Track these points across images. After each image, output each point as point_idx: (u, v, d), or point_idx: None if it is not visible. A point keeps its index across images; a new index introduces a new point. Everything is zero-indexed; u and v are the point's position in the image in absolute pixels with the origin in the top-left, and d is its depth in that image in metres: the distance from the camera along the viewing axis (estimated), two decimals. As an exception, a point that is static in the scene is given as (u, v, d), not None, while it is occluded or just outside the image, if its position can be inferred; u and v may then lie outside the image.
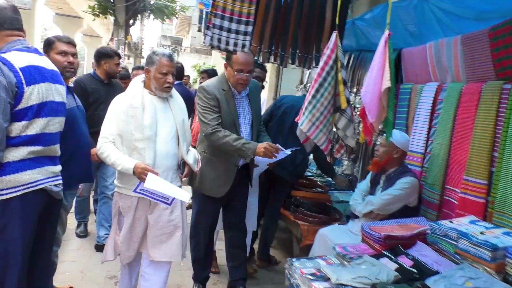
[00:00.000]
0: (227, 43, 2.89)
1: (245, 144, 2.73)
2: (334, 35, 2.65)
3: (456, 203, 2.71)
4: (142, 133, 2.41)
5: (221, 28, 2.76)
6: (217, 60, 19.60)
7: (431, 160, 3.00)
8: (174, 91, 2.65)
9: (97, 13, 12.56)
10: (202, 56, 26.37)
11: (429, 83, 3.18)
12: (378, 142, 3.27)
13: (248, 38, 2.84)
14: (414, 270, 2.07)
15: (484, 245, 1.96)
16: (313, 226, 3.24)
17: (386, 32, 2.20)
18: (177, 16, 15.84)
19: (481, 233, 2.09)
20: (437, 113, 3.02)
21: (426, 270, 2.06)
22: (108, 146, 2.46)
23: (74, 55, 2.65)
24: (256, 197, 3.44)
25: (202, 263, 3.14)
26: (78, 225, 4.14)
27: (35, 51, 2.06)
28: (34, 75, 1.94)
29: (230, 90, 2.87)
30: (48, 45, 2.60)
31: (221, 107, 2.81)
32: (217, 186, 2.91)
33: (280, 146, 2.72)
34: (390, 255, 2.26)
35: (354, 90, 4.17)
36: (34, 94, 1.92)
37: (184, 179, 2.70)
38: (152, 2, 11.99)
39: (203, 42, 3.00)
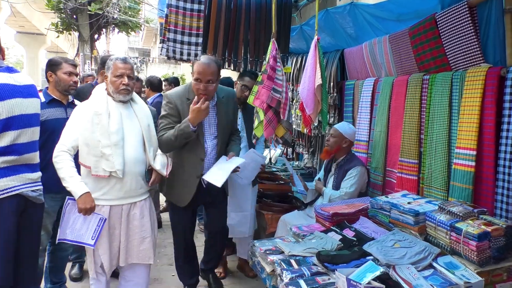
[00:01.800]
0: (181, 53, 3.19)
1: (180, 126, 2.69)
2: (271, 42, 3.00)
3: (395, 182, 3.10)
4: (109, 139, 2.43)
5: (175, 41, 3.05)
6: (186, 69, 19.78)
7: (373, 146, 3.39)
8: (137, 97, 2.69)
9: (61, 29, 12.59)
10: (171, 66, 26.47)
11: (368, 78, 3.58)
12: (327, 133, 3.64)
13: (200, 48, 3.14)
14: (354, 239, 2.43)
15: (409, 212, 2.33)
16: (276, 215, 3.57)
17: (315, 37, 2.56)
18: (141, 28, 15.99)
19: (408, 203, 2.47)
20: (376, 104, 3.41)
21: (364, 238, 2.42)
22: (64, 157, 2.44)
23: (77, 75, 3.06)
24: (252, 201, 3.53)
25: (184, 268, 3.19)
26: (72, 266, 3.60)
27: (6, 69, 2.23)
28: (2, 92, 2.12)
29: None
30: (56, 65, 2.97)
31: (181, 116, 2.77)
32: (180, 195, 2.91)
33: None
34: (336, 229, 2.61)
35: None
36: (1, 109, 2.10)
37: (154, 185, 2.74)
38: (115, 17, 12.13)
39: (160, 54, 3.26)
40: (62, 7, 10.92)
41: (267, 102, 2.84)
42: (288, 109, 2.84)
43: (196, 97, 2.67)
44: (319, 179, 3.56)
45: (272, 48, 2.91)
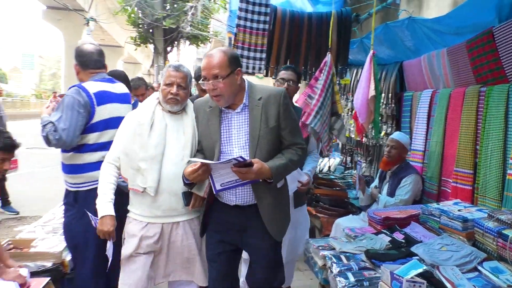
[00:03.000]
0: (247, 67, 3.51)
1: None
2: (329, 56, 3.21)
3: (449, 191, 3.16)
4: (147, 152, 2.27)
5: (241, 56, 3.37)
6: (251, 79, 20.40)
7: (429, 156, 3.46)
8: (190, 108, 2.42)
9: (138, 43, 13.69)
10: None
11: (426, 90, 3.67)
12: (385, 144, 3.77)
13: (263, 62, 3.43)
14: (403, 241, 2.56)
15: (457, 218, 2.43)
16: (332, 218, 3.75)
17: (371, 52, 2.75)
18: (210, 41, 16.86)
19: (458, 210, 2.56)
20: (433, 115, 3.49)
21: (413, 241, 2.55)
22: (104, 170, 2.37)
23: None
24: (305, 216, 3.20)
25: None
26: None
27: (109, 80, 2.76)
28: (103, 98, 2.63)
29: (218, 107, 2.19)
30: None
31: (199, 128, 2.30)
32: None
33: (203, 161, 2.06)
34: (387, 232, 2.75)
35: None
36: (103, 111, 2.61)
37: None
38: (187, 30, 12.98)
39: None
40: (140, 22, 11.90)
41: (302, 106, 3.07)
42: (313, 115, 3.01)
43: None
44: (375, 186, 3.69)
45: (324, 62, 3.13)
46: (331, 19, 3.56)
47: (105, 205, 2.31)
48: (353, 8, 4.78)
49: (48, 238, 3.18)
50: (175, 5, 12.90)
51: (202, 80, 2.08)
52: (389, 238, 2.63)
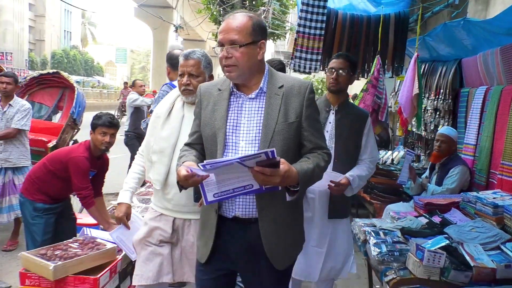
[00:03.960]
0: (304, 67, 3.93)
1: (180, 158, 1.81)
2: (378, 58, 3.54)
3: (496, 183, 3.36)
4: (158, 145, 2.23)
5: (300, 58, 3.79)
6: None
7: (480, 150, 3.65)
8: None
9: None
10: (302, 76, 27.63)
11: (481, 86, 3.83)
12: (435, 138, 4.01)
13: (319, 63, 3.83)
14: (438, 224, 2.87)
15: (490, 204, 2.70)
16: (384, 204, 4.09)
17: (415, 54, 3.06)
18: (286, 37, 17.34)
19: (493, 198, 2.80)
20: (485, 111, 3.66)
21: (448, 223, 2.85)
22: (134, 160, 2.53)
23: None
24: (345, 231, 2.75)
25: None
26: None
27: None
28: None
29: (229, 88, 1.80)
30: None
31: (202, 115, 1.85)
32: (200, 243, 1.87)
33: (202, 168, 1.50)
34: (426, 215, 3.07)
35: (427, 95, 4.86)
36: None
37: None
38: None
39: (288, 68, 4.04)
40: (221, 20, 12.74)
41: (372, 105, 3.39)
42: (386, 112, 3.33)
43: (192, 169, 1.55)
44: (426, 176, 3.95)
45: (376, 62, 3.46)
46: (389, 21, 3.87)
47: (122, 193, 2.47)
48: (419, 7, 4.97)
49: (141, 207, 3.93)
50: (254, 2, 13.55)
51: (218, 46, 1.72)
52: (427, 220, 2.96)
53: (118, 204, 2.50)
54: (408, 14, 4.28)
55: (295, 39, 3.64)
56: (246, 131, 1.75)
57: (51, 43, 47.09)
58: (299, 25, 3.53)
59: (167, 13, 28.47)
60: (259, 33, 1.73)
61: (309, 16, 3.45)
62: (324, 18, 3.54)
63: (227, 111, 1.78)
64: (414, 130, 4.85)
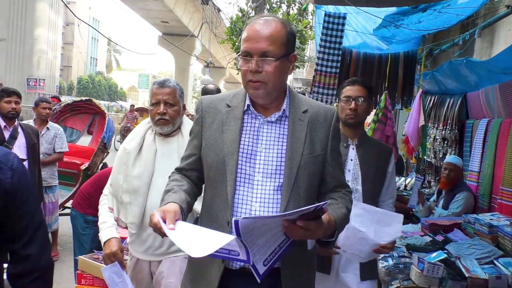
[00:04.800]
0: (321, 101, 4.33)
1: (167, 195, 1.45)
2: (385, 93, 3.94)
3: (496, 207, 3.67)
4: (129, 184, 2.04)
5: (317, 92, 4.18)
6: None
7: (482, 176, 3.98)
8: (186, 128, 2.08)
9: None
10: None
11: (483, 119, 4.19)
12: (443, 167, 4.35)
13: (334, 97, 4.23)
14: (440, 241, 3.20)
15: (486, 224, 3.03)
16: (395, 226, 4.40)
17: (420, 90, 3.47)
18: (305, 66, 17.97)
19: (490, 219, 3.13)
20: (487, 141, 4.01)
21: (449, 241, 3.18)
22: (103, 202, 2.26)
23: None
24: None
25: None
26: None
27: None
28: None
29: (242, 106, 1.52)
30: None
31: (203, 135, 1.54)
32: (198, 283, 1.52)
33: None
34: (431, 234, 3.40)
35: (436, 125, 5.21)
36: None
37: None
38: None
39: None
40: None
41: (390, 135, 3.76)
42: (394, 141, 3.71)
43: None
44: (433, 200, 4.28)
45: (385, 98, 3.88)
46: (398, 58, 4.30)
47: (106, 231, 2.13)
48: (427, 46, 5.41)
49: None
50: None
51: (243, 56, 1.42)
52: (430, 239, 3.29)
53: (107, 241, 2.09)
54: (416, 52, 4.71)
55: (313, 76, 4.10)
56: (264, 162, 1.45)
57: (78, 69, 49.27)
58: (317, 64, 4.00)
59: (189, 41, 29.65)
60: (292, 43, 1.47)
61: (325, 56, 3.91)
62: (339, 57, 3.99)
63: (240, 134, 1.47)
64: (425, 157, 5.19)
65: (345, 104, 2.28)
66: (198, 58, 30.76)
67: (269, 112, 1.51)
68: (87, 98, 7.78)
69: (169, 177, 1.59)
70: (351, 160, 2.27)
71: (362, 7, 3.13)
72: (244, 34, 1.44)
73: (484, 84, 4.15)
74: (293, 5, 13.53)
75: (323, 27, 3.79)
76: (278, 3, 13.23)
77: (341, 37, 3.80)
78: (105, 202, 2.26)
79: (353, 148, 2.29)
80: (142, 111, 18.43)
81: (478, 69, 4.00)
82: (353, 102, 2.24)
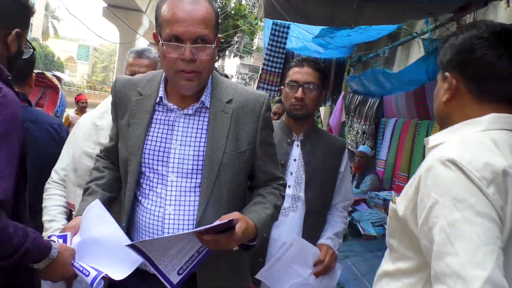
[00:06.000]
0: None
1: (83, 199, 1.38)
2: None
3: (394, 187, 4.72)
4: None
5: (262, 88, 4.95)
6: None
7: (387, 164, 5.02)
8: None
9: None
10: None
11: (393, 118, 5.22)
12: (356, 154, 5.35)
13: (276, 92, 5.03)
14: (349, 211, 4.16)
15: (381, 198, 4.01)
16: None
17: (343, 92, 4.36)
18: (253, 55, 18.76)
19: (386, 195, 4.13)
20: (393, 136, 5.05)
21: (355, 211, 4.13)
22: (52, 192, 1.80)
23: None
24: None
25: None
26: None
27: None
28: None
29: (155, 96, 1.36)
30: None
31: (118, 121, 1.42)
32: None
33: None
34: (343, 206, 4.35)
35: (359, 120, 6.21)
36: None
37: None
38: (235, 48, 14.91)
39: None
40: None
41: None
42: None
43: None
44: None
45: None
46: (331, 63, 5.18)
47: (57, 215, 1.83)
48: (359, 53, 6.39)
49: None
50: (226, 21, 14.82)
51: (170, 41, 1.22)
52: (342, 208, 4.24)
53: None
54: (346, 60, 5.65)
55: (260, 74, 4.86)
56: (179, 160, 1.32)
57: (11, 33, 45.90)
58: (264, 64, 4.76)
59: (136, 16, 28.91)
60: (218, 25, 1.32)
61: (271, 58, 4.67)
62: (283, 60, 4.77)
63: (147, 130, 1.33)
64: (348, 147, 6.16)
65: (290, 90, 1.90)
66: (145, 34, 30.24)
67: (187, 103, 1.33)
68: (39, 71, 7.93)
69: (96, 159, 1.51)
70: (294, 160, 1.92)
71: (301, 24, 3.90)
72: (167, 13, 1.20)
73: (395, 91, 5.17)
74: (244, -5, 14.17)
75: (271, 33, 4.54)
76: (231, -9, 13.77)
77: (285, 43, 4.58)
78: (54, 192, 1.81)
79: (297, 145, 1.95)
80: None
81: (391, 78, 4.99)
82: (299, 90, 1.86)
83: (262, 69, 4.74)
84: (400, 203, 1.08)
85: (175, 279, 1.19)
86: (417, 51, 5.55)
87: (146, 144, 1.33)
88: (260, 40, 18.24)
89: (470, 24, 1.16)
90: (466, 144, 1.00)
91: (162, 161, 1.32)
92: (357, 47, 6.49)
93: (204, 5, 1.24)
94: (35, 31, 55.05)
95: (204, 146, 1.32)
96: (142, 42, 35.72)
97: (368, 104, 5.97)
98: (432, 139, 1.14)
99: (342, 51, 5.82)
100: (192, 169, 1.32)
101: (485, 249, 0.84)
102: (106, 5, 30.47)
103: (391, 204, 1.15)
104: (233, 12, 13.60)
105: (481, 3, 3.26)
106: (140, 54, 1.91)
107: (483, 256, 0.83)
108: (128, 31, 29.69)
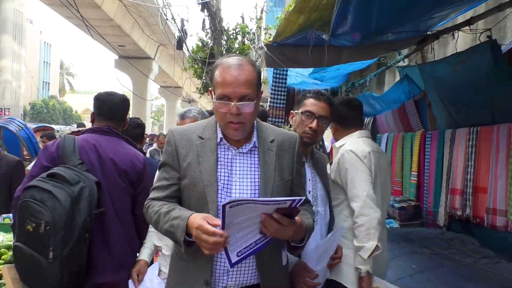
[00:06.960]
0: None
1: (174, 219, 1.49)
2: None
3: (392, 192, 5.52)
4: None
5: (272, 122, 5.86)
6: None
7: (386, 172, 5.84)
8: None
9: (202, 92, 16.77)
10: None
11: (385, 133, 6.09)
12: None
13: (282, 123, 5.91)
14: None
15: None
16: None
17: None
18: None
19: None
20: (387, 147, 5.90)
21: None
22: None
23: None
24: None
25: None
26: None
27: None
28: None
29: (215, 138, 1.63)
30: None
31: (180, 167, 1.62)
32: None
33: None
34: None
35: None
36: None
37: None
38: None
39: None
40: (205, 76, 14.90)
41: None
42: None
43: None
44: None
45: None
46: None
47: (142, 251, 2.36)
48: (353, 79, 7.33)
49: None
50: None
51: (221, 100, 1.50)
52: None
53: (137, 261, 2.30)
54: (339, 88, 6.58)
55: (268, 110, 5.78)
56: (240, 191, 1.56)
57: (31, 94, 48.45)
58: (270, 101, 5.69)
59: (146, 63, 30.28)
60: (260, 81, 1.60)
61: (276, 96, 5.59)
62: (285, 96, 5.68)
63: (217, 165, 1.58)
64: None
65: (306, 119, 2.10)
66: (155, 78, 31.45)
67: (240, 143, 1.63)
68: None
69: (148, 205, 1.63)
70: (309, 180, 2.13)
71: (295, 68, 4.81)
72: (219, 77, 1.52)
73: (384, 110, 6.07)
74: (247, 35, 15.30)
75: (273, 77, 5.51)
76: (235, 34, 14.91)
77: (285, 83, 5.53)
78: None
79: (308, 167, 2.15)
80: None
81: (379, 100, 5.90)
82: (315, 121, 2.09)
83: (270, 106, 5.66)
84: (332, 174, 2.33)
85: (234, 258, 1.41)
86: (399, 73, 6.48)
87: (218, 177, 1.57)
88: (264, 70, 19.47)
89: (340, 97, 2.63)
90: (354, 143, 2.35)
91: (227, 192, 1.57)
92: (353, 74, 7.45)
93: (247, 69, 1.53)
94: (52, 89, 57.94)
95: (258, 178, 1.60)
96: (153, 86, 37.28)
97: (365, 122, 6.86)
98: (338, 143, 2.46)
99: (337, 80, 6.77)
100: (251, 197, 1.57)
101: (365, 184, 2.19)
102: (117, 57, 32.25)
103: (330, 178, 2.33)
104: (237, 52, 14.78)
105: (434, 37, 4.19)
106: (183, 116, 2.42)
107: (365, 186, 2.18)
108: (141, 78, 31.27)
